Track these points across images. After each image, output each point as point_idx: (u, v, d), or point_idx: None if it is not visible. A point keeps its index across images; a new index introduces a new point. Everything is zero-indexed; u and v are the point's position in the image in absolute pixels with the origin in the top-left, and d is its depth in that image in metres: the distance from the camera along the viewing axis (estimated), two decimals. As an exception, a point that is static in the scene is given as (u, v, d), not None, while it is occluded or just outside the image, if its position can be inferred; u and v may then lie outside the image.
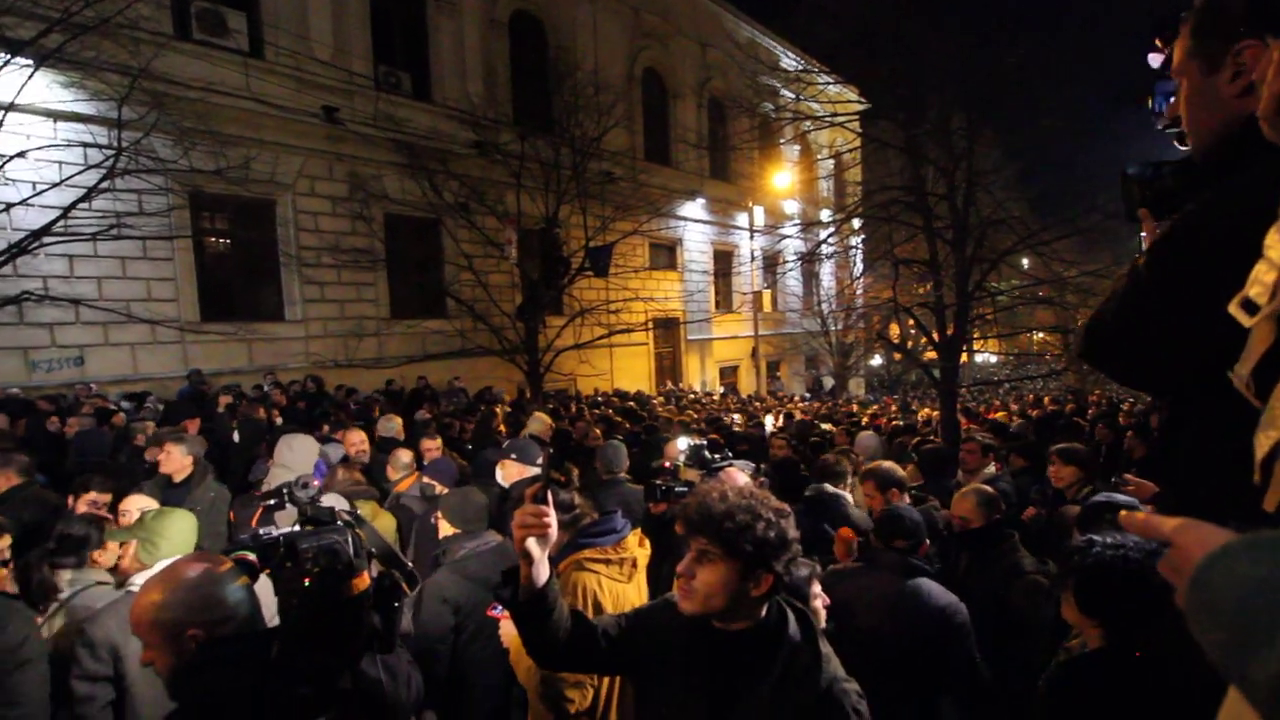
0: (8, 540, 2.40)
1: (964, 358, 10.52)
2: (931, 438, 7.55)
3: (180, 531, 2.25)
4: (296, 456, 3.83)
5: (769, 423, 9.34)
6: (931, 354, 10.33)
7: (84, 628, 1.95)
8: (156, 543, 2.18)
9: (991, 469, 4.21)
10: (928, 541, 2.40)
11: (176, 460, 3.79)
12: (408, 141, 11.30)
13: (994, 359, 24.55)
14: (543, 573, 1.28)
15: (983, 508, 2.57)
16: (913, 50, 8.50)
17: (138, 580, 2.11)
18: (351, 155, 11.03)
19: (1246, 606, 0.39)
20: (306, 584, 1.21)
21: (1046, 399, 13.73)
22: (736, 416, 10.37)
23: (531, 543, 1.26)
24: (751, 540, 1.23)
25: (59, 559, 2.29)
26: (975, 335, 13.24)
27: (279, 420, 7.17)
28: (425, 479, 3.84)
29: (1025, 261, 13.30)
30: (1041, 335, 19.32)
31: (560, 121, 11.79)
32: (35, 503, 3.28)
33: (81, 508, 3.06)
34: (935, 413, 11.21)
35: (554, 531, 1.29)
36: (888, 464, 3.31)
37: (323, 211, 10.86)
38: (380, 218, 11.50)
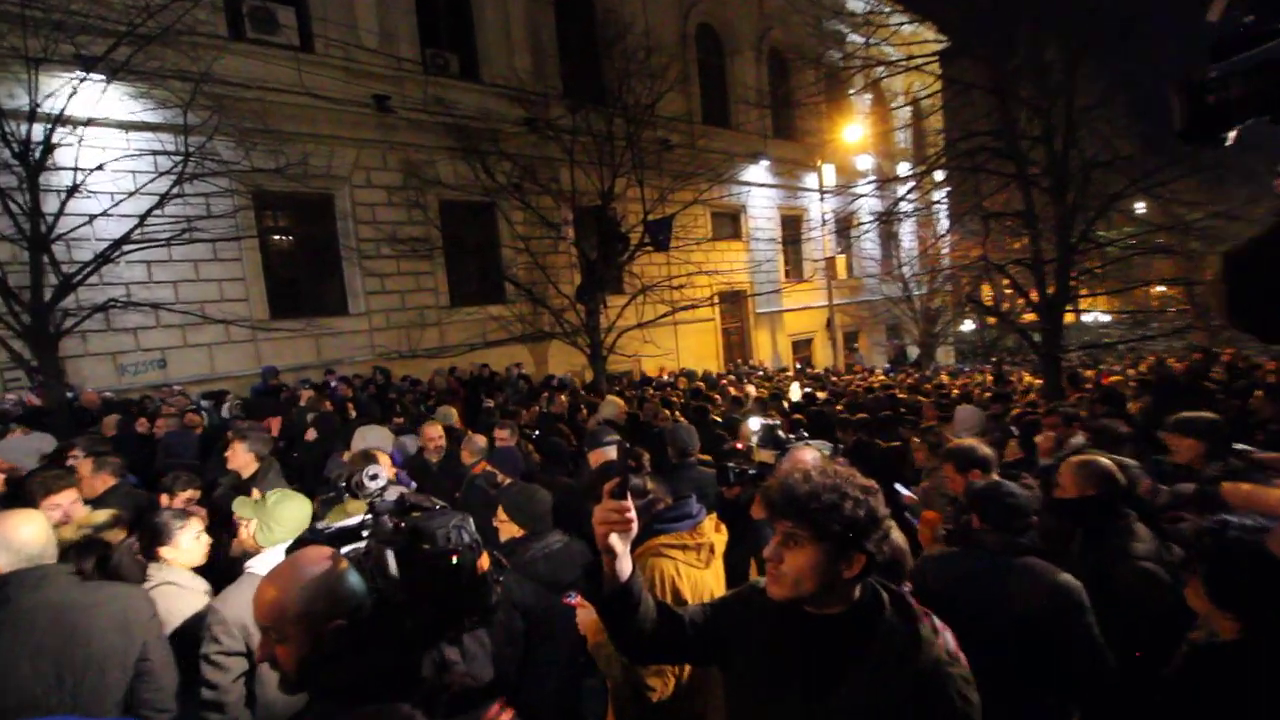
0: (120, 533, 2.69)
1: (1069, 318, 9.50)
2: (1031, 409, 6.73)
3: (295, 518, 2.32)
4: (371, 445, 3.96)
5: (795, 391, 8.72)
6: (1030, 316, 9.39)
7: (216, 607, 2.09)
8: (272, 527, 2.27)
9: (1079, 439, 3.91)
10: (1035, 519, 2.24)
11: (240, 457, 3.90)
12: (458, 124, 11.18)
13: (1105, 318, 22.30)
14: (626, 566, 1.28)
15: (1081, 479, 2.33)
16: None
17: (253, 564, 2.22)
18: (404, 143, 11.04)
19: None
20: (454, 562, 1.30)
21: (1171, 360, 12.19)
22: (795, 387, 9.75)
23: (614, 538, 1.26)
24: (840, 520, 1.21)
25: (145, 551, 2.42)
26: (1082, 293, 11.98)
27: (353, 414, 7.28)
28: (489, 467, 3.85)
29: (1140, 206, 11.91)
30: (1161, 289, 17.34)
31: (612, 90, 11.32)
32: (129, 501, 3.42)
33: (177, 504, 3.19)
34: (1037, 380, 10.18)
35: (635, 526, 1.28)
36: (970, 442, 3.05)
37: (379, 202, 10.95)
38: (435, 204, 11.48)
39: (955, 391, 9.94)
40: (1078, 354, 11.80)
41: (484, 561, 1.35)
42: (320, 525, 1.48)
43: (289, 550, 1.44)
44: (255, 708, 2.08)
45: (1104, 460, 2.38)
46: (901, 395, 8.59)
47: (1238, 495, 1.48)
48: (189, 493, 3.34)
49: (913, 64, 9.42)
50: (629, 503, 1.26)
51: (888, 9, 11.96)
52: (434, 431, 4.68)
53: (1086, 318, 21.17)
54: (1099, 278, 10.67)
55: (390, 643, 1.24)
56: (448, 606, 1.29)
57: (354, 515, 1.54)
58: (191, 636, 2.16)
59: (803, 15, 13.60)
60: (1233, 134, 1.13)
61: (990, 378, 12.41)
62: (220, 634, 2.03)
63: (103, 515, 2.77)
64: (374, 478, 1.63)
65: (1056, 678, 1.99)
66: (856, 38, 12.22)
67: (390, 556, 1.27)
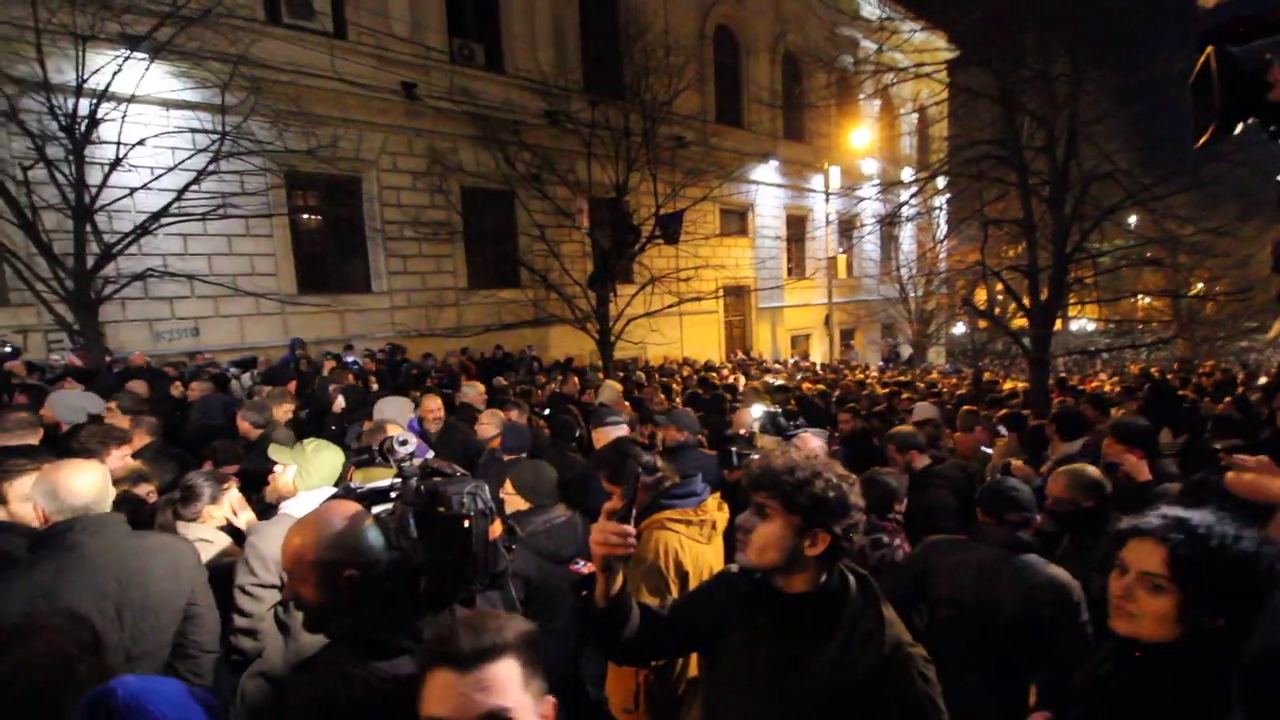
0: (151, 486, 2.83)
1: (1058, 325, 9.82)
2: (1021, 411, 7.15)
3: (330, 465, 2.45)
4: (391, 415, 4.14)
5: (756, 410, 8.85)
6: (1021, 321, 9.72)
7: (252, 541, 2.21)
8: (310, 472, 2.39)
9: (1076, 446, 3.90)
10: (1038, 518, 2.29)
11: (242, 426, 4.14)
12: (482, 114, 11.51)
13: (1091, 326, 22.81)
14: (618, 584, 1.31)
15: (1073, 490, 2.39)
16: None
17: (288, 505, 2.34)
18: (429, 130, 11.37)
19: None
20: (467, 525, 1.31)
21: (1154, 369, 12.67)
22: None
23: (612, 560, 1.28)
24: (809, 496, 1.24)
25: (181, 508, 2.53)
26: (1072, 300, 12.35)
27: (375, 387, 7.63)
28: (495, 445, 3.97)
29: (1133, 219, 12.22)
30: (1147, 300, 17.78)
31: (631, 86, 11.64)
32: (161, 460, 3.65)
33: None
34: (1022, 384, 10.60)
35: (634, 546, 1.31)
36: (907, 428, 3.40)
37: (404, 186, 11.29)
38: (457, 190, 11.85)
39: (945, 389, 10.40)
40: (1064, 360, 12.17)
41: (496, 528, 1.38)
42: (354, 485, 1.52)
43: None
44: (288, 638, 2.21)
45: (1092, 469, 2.47)
46: (899, 391, 9.03)
47: (1241, 484, 1.39)
48: (231, 466, 3.47)
49: (923, 72, 9.66)
50: (632, 528, 1.28)
51: (901, 16, 12.28)
52: (433, 404, 4.80)
53: (1073, 325, 21.61)
54: (1089, 287, 11.01)
55: (405, 600, 1.29)
56: (460, 569, 1.31)
57: (385, 479, 1.59)
58: (217, 581, 2.26)
59: (818, 20, 13.89)
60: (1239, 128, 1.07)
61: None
62: (256, 566, 2.14)
63: (130, 468, 2.89)
64: (404, 443, 1.64)
65: (1048, 670, 2.04)
66: (869, 44, 12.53)
67: (409, 517, 1.32)
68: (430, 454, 3.54)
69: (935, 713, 1.23)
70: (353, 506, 1.37)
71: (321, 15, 9.96)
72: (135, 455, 3.57)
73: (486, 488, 1.43)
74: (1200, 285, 15.66)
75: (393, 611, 1.27)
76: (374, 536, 1.32)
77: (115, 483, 2.68)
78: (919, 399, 7.74)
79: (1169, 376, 11.16)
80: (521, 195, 12.20)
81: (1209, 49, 1.02)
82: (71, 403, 5.36)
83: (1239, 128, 1.07)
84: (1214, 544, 1.15)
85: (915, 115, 13.76)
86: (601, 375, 9.35)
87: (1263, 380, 9.78)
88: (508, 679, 0.94)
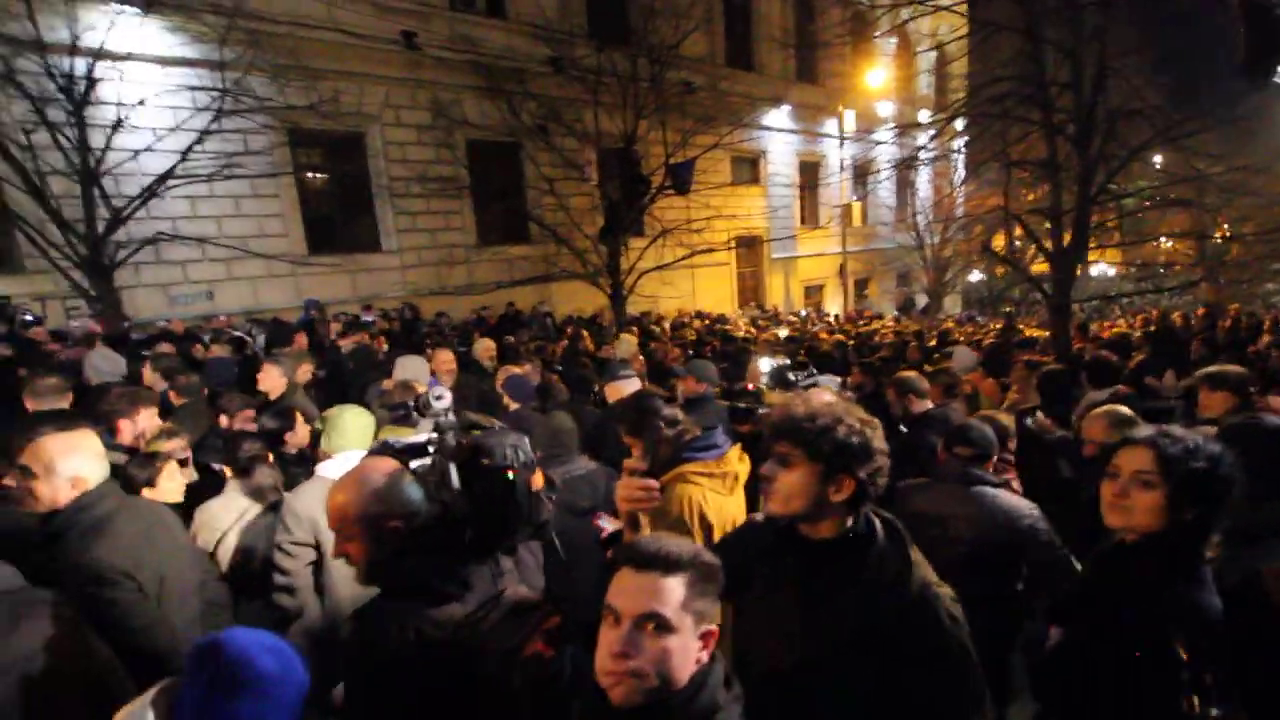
0: (183, 441, 2.85)
1: (1078, 270, 9.60)
2: (1040, 357, 7.08)
3: (356, 425, 2.50)
4: (410, 374, 4.22)
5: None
6: (1041, 266, 9.51)
7: (289, 500, 2.27)
8: (330, 434, 2.47)
9: (1104, 394, 3.90)
10: (995, 457, 2.38)
11: (273, 379, 4.08)
12: (485, 62, 11.17)
13: (1111, 271, 22.32)
14: (646, 535, 1.34)
15: (1116, 429, 2.40)
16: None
17: (323, 467, 2.41)
18: (432, 81, 11.07)
19: None
20: (511, 477, 1.35)
21: (1176, 314, 12.44)
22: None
23: (638, 514, 1.31)
24: (831, 442, 1.24)
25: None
26: (1092, 245, 12.07)
27: (385, 347, 7.67)
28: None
29: (1158, 159, 11.82)
30: (1170, 243, 17.33)
31: (636, 29, 11.23)
32: (199, 417, 3.79)
33: (239, 424, 3.48)
34: (1044, 333, 10.47)
35: (659, 500, 1.33)
36: (911, 373, 3.50)
37: (409, 141, 11.07)
38: (463, 144, 11.60)
39: (961, 338, 10.27)
40: (1083, 306, 11.94)
41: (538, 479, 1.42)
42: (391, 440, 1.55)
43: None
44: (324, 596, 2.27)
45: (1126, 410, 2.49)
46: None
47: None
48: (246, 412, 3.57)
49: (941, 4, 9.25)
50: (655, 482, 1.32)
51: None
52: (445, 356, 4.83)
53: (1093, 270, 21.17)
54: (1111, 230, 10.73)
55: (451, 549, 1.32)
56: (504, 519, 1.36)
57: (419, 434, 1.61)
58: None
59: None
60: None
61: (996, 325, 12.70)
62: (292, 525, 2.22)
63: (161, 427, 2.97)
64: (440, 398, 1.71)
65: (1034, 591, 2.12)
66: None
67: (453, 469, 1.35)
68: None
69: (963, 653, 1.24)
70: (390, 462, 1.39)
71: (316, -38, 9.59)
72: (172, 415, 3.70)
73: (526, 440, 1.45)
74: (1226, 226, 15.20)
75: (439, 560, 1.31)
76: (413, 490, 1.35)
77: (149, 442, 2.78)
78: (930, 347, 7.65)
79: (1191, 323, 10.96)
80: (529, 147, 11.95)
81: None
82: (108, 367, 5.70)
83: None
84: (1191, 445, 1.38)
85: (933, 53, 13.15)
86: (615, 330, 9.32)
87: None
88: (672, 591, 1.03)
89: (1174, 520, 1.38)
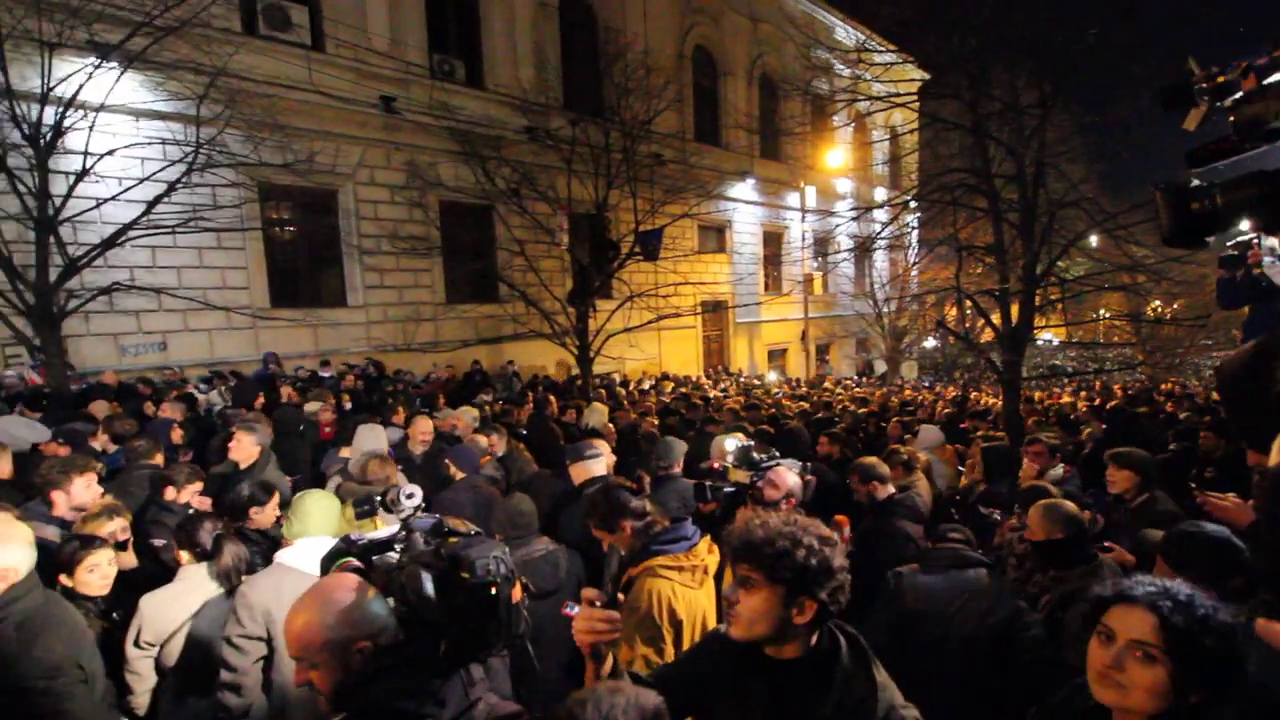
0: (124, 521, 2.71)
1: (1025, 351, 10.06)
2: (993, 431, 7.32)
3: (317, 511, 2.38)
4: (369, 444, 4.11)
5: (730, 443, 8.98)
6: (989, 335, 9.94)
7: (244, 590, 2.15)
8: (292, 519, 2.35)
9: (1059, 471, 4.01)
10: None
11: (246, 448, 3.88)
12: (461, 129, 11.44)
13: (1055, 341, 23.53)
14: (609, 667, 1.31)
15: (1048, 524, 2.40)
16: (984, 27, 8.04)
17: (283, 555, 2.28)
18: (408, 144, 11.29)
19: None
20: (493, 592, 1.30)
21: (1118, 388, 13.09)
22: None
23: (601, 646, 1.28)
24: (791, 566, 1.24)
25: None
26: (1040, 323, 12.70)
27: (348, 405, 7.46)
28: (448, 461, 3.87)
29: (1093, 240, 12.60)
30: (1108, 317, 18.39)
31: (610, 104, 11.72)
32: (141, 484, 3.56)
33: (184, 498, 3.30)
34: (996, 401, 10.86)
35: (620, 634, 1.31)
36: (871, 459, 3.41)
37: (382, 200, 11.18)
38: (435, 205, 11.76)
39: (920, 403, 10.60)
40: (1033, 379, 12.45)
41: (517, 592, 1.39)
42: (354, 536, 1.50)
43: (324, 560, 1.50)
44: (271, 693, 2.13)
45: (1068, 504, 2.49)
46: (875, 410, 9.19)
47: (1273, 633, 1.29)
48: (194, 485, 3.40)
49: (896, 102, 9.93)
50: (617, 614, 1.30)
51: (875, 46, 12.58)
52: (424, 426, 4.78)
53: (1039, 339, 22.27)
54: (1056, 308, 11.32)
55: (421, 662, 1.27)
56: (481, 632, 1.32)
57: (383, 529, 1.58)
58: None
59: (794, 43, 14.16)
60: (1212, 238, 1.13)
61: (950, 393, 13.14)
62: (244, 617, 2.10)
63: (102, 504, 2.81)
64: (410, 496, 1.64)
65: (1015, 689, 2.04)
66: (843, 68, 12.78)
67: (427, 578, 1.30)
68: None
69: None
70: (352, 579, 1.34)
71: (299, 28, 9.86)
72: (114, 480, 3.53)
73: (508, 550, 1.43)
74: (1158, 303, 16.24)
75: (410, 679, 1.25)
76: (379, 605, 1.31)
77: (86, 519, 2.63)
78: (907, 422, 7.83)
79: (1129, 391, 11.55)
80: (501, 210, 12.15)
81: (1157, 193, 1.08)
82: (12, 431, 4.80)
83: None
84: (1201, 613, 1.13)
85: (888, 141, 14.06)
86: (580, 389, 9.27)
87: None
88: None
89: (1177, 706, 1.14)
